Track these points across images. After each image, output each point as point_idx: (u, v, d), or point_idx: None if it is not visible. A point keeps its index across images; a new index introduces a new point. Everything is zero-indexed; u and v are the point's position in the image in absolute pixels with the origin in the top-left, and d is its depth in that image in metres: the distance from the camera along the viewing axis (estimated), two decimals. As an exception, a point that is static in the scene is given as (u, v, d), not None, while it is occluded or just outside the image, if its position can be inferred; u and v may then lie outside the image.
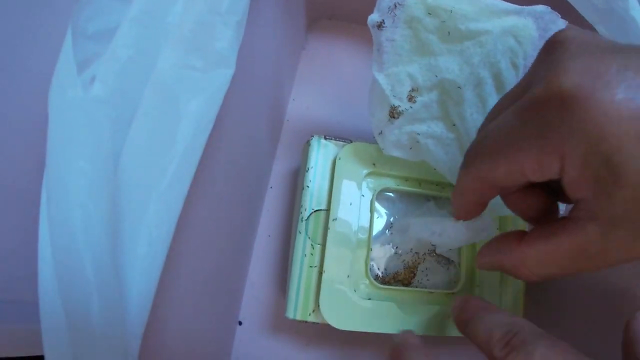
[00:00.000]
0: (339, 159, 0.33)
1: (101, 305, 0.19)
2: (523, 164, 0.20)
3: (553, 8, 0.29)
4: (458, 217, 0.26)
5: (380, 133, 0.31)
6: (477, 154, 0.22)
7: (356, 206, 0.33)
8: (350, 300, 0.31)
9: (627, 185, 0.17)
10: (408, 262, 0.34)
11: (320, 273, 0.32)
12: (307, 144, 0.35)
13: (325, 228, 0.33)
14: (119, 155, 0.21)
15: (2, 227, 0.28)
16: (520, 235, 0.22)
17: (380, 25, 0.28)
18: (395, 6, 0.28)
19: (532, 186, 0.23)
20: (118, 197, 0.20)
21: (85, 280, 0.19)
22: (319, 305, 0.31)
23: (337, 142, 0.35)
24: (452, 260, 0.35)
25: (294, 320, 0.32)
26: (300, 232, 0.33)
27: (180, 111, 0.21)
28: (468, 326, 0.24)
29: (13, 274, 0.28)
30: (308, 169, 0.34)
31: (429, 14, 0.28)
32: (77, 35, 0.23)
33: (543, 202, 0.23)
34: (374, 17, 0.28)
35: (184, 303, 0.27)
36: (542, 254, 0.21)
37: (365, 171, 0.34)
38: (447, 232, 0.27)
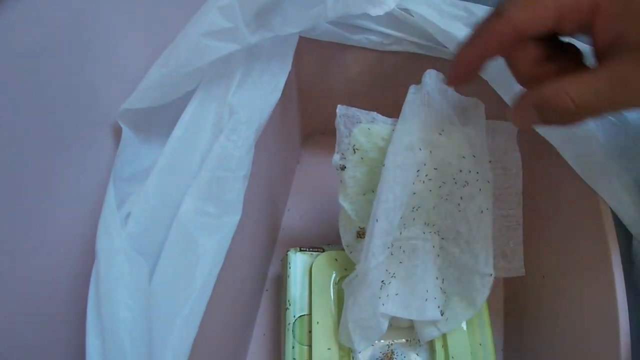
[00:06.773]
0: (314, 268, 0.39)
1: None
2: (562, 5, 0.23)
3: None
4: (454, 79, 0.29)
5: (351, 251, 0.36)
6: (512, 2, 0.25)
7: (334, 308, 0.38)
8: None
9: None
10: (385, 351, 0.39)
11: None
12: (286, 256, 0.40)
13: (310, 331, 0.37)
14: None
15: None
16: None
17: (343, 167, 0.34)
18: (354, 150, 0.34)
19: (532, 40, 0.26)
20: (150, 321, 0.25)
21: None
22: None
23: (312, 252, 0.40)
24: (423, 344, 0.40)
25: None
26: (288, 337, 0.37)
27: (198, 251, 0.27)
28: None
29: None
30: (288, 279, 0.39)
31: (374, 147, 0.34)
32: (116, 179, 0.29)
33: (545, 53, 0.26)
34: (336, 160, 0.34)
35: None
36: (582, 83, 0.23)
37: (338, 276, 0.39)
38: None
